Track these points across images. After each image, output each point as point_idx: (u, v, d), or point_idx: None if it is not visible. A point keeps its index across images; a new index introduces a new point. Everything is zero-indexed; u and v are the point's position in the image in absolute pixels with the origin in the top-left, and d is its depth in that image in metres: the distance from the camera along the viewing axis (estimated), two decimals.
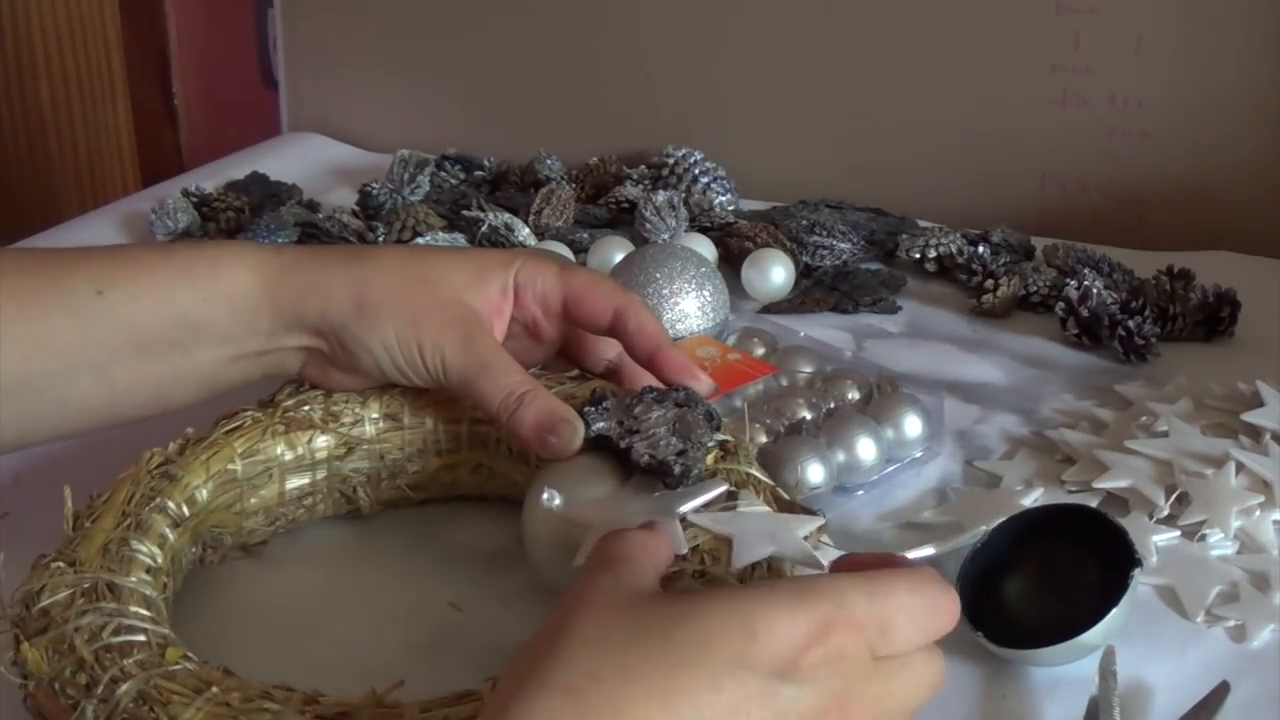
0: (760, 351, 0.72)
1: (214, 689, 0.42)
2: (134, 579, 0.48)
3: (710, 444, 0.53)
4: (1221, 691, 0.49)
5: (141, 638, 0.45)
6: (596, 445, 0.53)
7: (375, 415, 0.59)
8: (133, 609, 0.46)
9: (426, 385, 0.57)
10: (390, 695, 0.42)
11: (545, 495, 0.50)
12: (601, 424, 0.53)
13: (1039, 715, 0.49)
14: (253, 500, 0.57)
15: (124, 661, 0.43)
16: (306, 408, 0.58)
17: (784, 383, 0.69)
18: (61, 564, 0.48)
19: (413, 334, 0.55)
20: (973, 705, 0.49)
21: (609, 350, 0.62)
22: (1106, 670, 0.48)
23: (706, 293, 0.76)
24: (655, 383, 0.57)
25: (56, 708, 0.42)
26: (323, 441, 0.59)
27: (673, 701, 0.35)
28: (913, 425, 0.65)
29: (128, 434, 0.57)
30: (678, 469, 0.51)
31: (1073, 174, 1.01)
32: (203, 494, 0.55)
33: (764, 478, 0.53)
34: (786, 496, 0.53)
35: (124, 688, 0.42)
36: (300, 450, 0.58)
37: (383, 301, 0.56)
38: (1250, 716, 0.49)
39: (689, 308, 0.75)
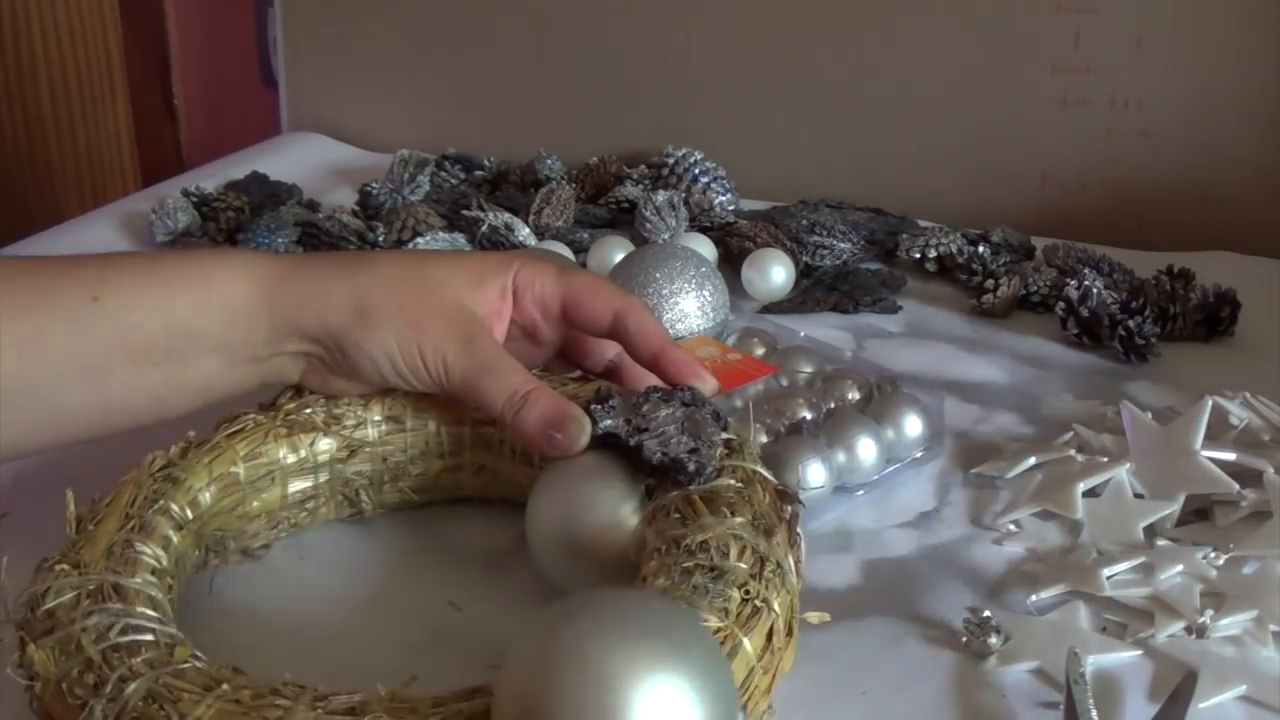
0: (760, 351, 0.72)
1: (224, 686, 0.42)
2: (139, 580, 0.48)
3: (719, 443, 0.53)
4: (1189, 681, 0.49)
5: (149, 637, 0.44)
6: (601, 444, 0.53)
7: (378, 418, 0.59)
8: (139, 609, 0.46)
9: (428, 389, 0.57)
10: (402, 691, 0.42)
11: None
12: (609, 422, 0.53)
13: (1019, 717, 0.49)
14: (255, 503, 0.57)
15: (132, 661, 0.43)
16: (309, 410, 0.58)
17: (784, 383, 0.69)
18: (66, 566, 0.47)
19: (414, 338, 0.55)
20: (955, 705, 0.50)
21: (608, 351, 0.62)
22: (1074, 674, 0.48)
23: (706, 293, 0.76)
24: (656, 383, 0.57)
25: (64, 708, 0.42)
26: (325, 444, 0.58)
27: None
28: (913, 425, 0.65)
29: (127, 437, 0.57)
30: (692, 466, 0.50)
31: (1073, 174, 1.01)
32: (205, 497, 0.55)
33: (769, 475, 0.53)
34: (790, 493, 0.53)
35: (133, 687, 0.41)
36: (302, 453, 0.58)
37: (382, 307, 0.55)
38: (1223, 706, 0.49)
39: (689, 308, 0.75)
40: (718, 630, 0.43)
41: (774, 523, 0.49)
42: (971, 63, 1.01)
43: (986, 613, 0.52)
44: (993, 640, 0.52)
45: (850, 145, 1.07)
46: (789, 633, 0.48)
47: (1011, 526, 0.61)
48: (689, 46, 1.10)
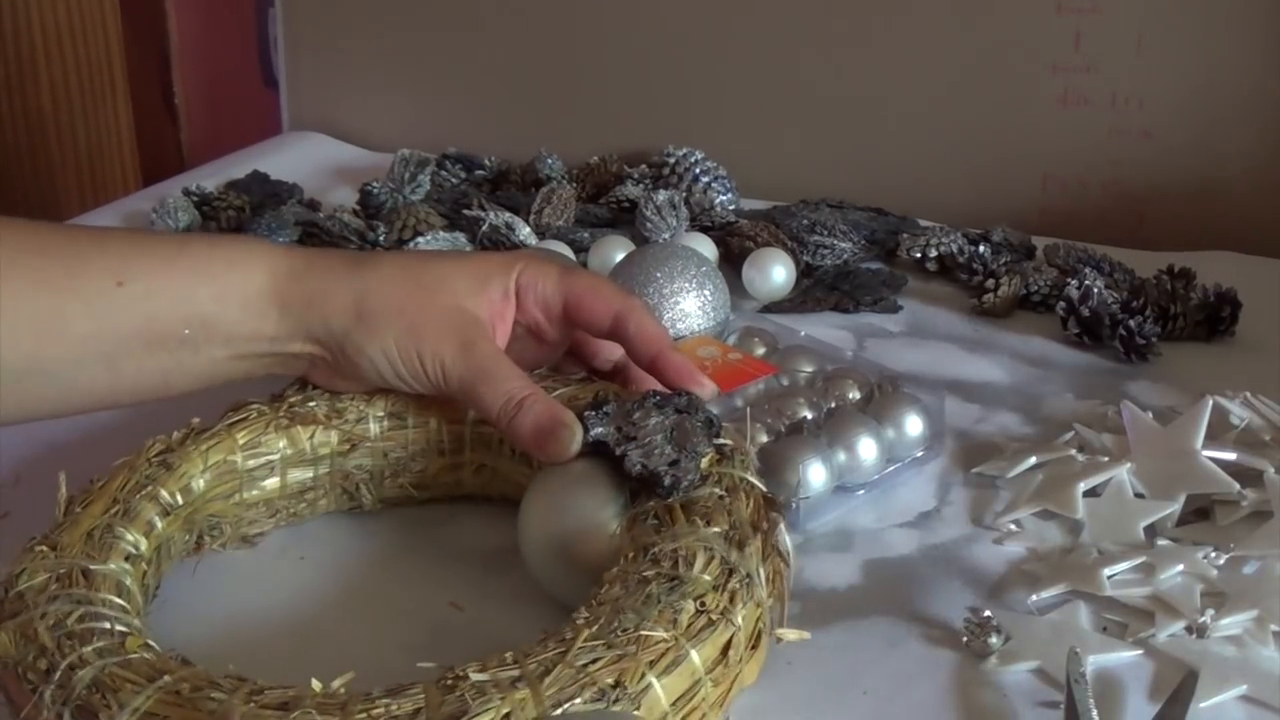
0: (761, 351, 0.72)
1: (166, 677, 0.42)
2: (112, 565, 0.48)
3: (706, 452, 0.52)
4: (1190, 681, 0.49)
5: (105, 625, 0.45)
6: (596, 450, 0.53)
7: (380, 414, 0.60)
8: (103, 596, 0.47)
9: (427, 391, 0.57)
10: (337, 687, 0.42)
11: None
12: (600, 429, 0.53)
13: (1019, 717, 0.49)
14: (253, 492, 0.58)
15: (83, 649, 0.43)
16: (312, 404, 0.59)
17: (785, 382, 0.69)
18: (44, 548, 0.48)
19: (412, 342, 0.56)
20: (956, 705, 0.50)
21: (615, 350, 0.62)
22: (1075, 674, 0.48)
23: (707, 292, 0.76)
24: (658, 385, 0.57)
25: (20, 692, 0.43)
26: (325, 437, 0.59)
27: None
28: (914, 425, 0.65)
29: (133, 432, 0.57)
30: (668, 480, 0.50)
31: (1074, 174, 1.01)
32: (199, 483, 0.55)
33: (757, 483, 0.53)
34: (777, 502, 0.53)
35: (80, 674, 0.42)
36: (302, 445, 0.58)
37: (382, 311, 0.56)
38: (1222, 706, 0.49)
39: (689, 307, 0.75)
40: (659, 642, 0.43)
41: (748, 534, 0.49)
42: (972, 62, 1.01)
43: (987, 612, 0.52)
44: (993, 640, 0.52)
45: (851, 145, 1.07)
46: (754, 645, 0.48)
47: (1012, 526, 0.61)
48: (690, 46, 1.10)
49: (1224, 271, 0.85)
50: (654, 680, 0.42)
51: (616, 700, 0.41)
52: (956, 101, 1.02)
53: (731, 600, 0.46)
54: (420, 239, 0.91)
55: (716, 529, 0.49)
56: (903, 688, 0.50)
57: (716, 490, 0.51)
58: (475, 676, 0.41)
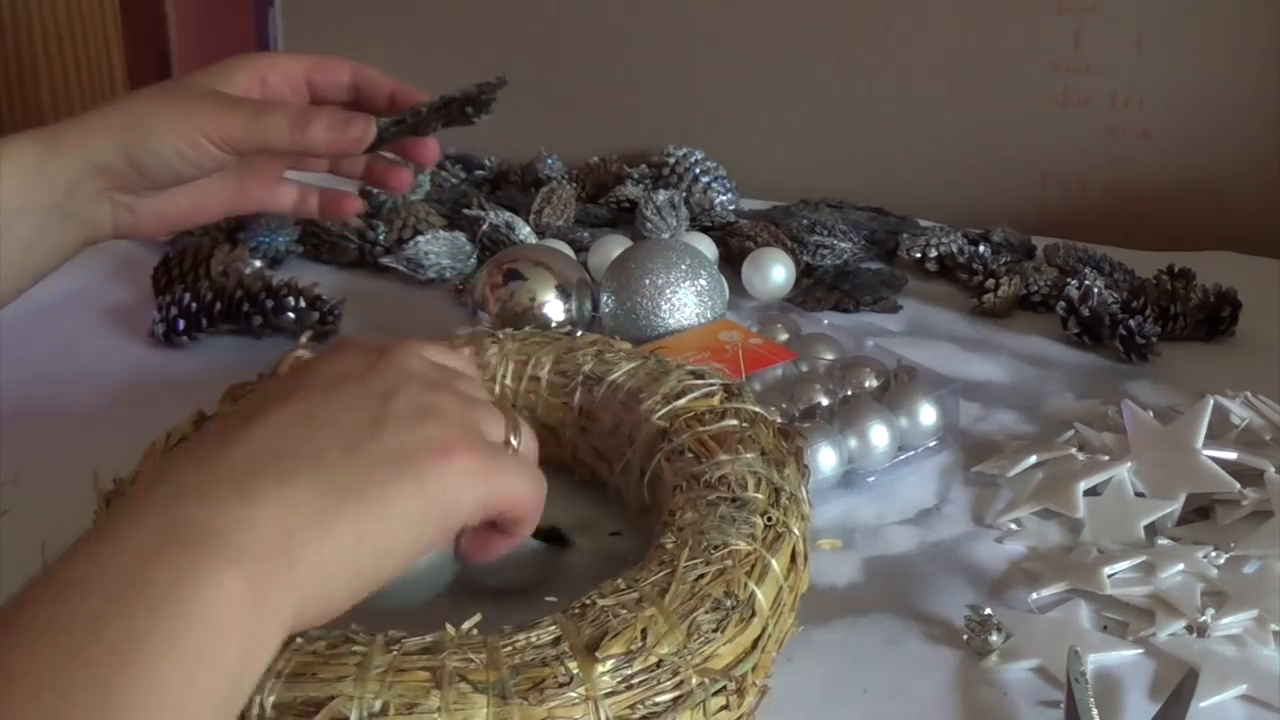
0: (784, 337, 0.73)
1: (298, 640, 0.42)
2: None
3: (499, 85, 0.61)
4: (1190, 680, 0.49)
5: None
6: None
7: None
8: None
9: (221, 165, 0.62)
10: (468, 629, 0.43)
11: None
12: (388, 121, 0.61)
13: (1019, 716, 0.49)
14: None
15: None
16: None
17: (804, 368, 0.70)
18: None
19: (189, 123, 0.61)
20: (956, 703, 0.50)
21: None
22: (1075, 673, 0.48)
23: (702, 282, 0.76)
24: None
25: None
26: None
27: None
28: (927, 415, 0.66)
29: (132, 431, 0.57)
30: (474, 89, 0.60)
31: (1073, 173, 1.01)
32: None
33: (769, 415, 0.56)
34: (791, 430, 0.56)
35: None
36: None
37: (151, 113, 0.61)
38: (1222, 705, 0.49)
39: (686, 298, 0.75)
40: (748, 554, 0.46)
41: (784, 456, 0.53)
42: (972, 62, 1.01)
43: (987, 610, 0.52)
44: (994, 638, 0.52)
45: (851, 145, 1.07)
46: (804, 557, 0.51)
47: (1013, 525, 0.61)
48: (690, 46, 1.10)
49: (1223, 271, 0.85)
50: (755, 588, 0.45)
51: (734, 608, 0.44)
52: (956, 101, 1.02)
53: (785, 514, 0.49)
54: (420, 238, 0.91)
55: (752, 455, 0.52)
56: (903, 686, 0.50)
57: (737, 422, 0.54)
58: (602, 602, 0.43)
